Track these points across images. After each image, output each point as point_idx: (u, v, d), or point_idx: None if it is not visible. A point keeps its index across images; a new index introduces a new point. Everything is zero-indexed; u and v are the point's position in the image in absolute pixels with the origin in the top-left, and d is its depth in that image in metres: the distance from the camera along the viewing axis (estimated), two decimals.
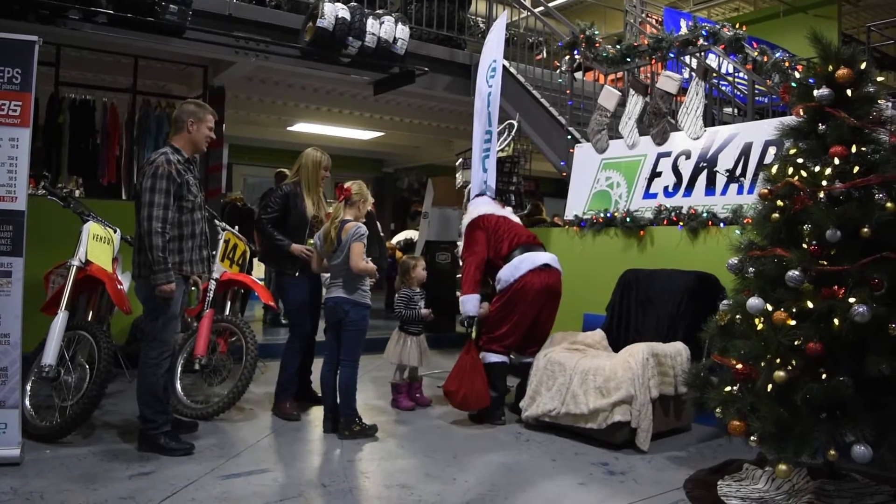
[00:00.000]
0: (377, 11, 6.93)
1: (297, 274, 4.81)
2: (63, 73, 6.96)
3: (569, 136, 6.82)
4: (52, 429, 3.98)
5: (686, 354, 4.44)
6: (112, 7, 5.57)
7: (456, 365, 4.75)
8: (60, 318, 4.13)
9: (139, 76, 7.45)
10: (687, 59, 6.25)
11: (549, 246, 6.34)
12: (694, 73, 5.86)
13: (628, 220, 5.60)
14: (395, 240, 10.69)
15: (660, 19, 9.91)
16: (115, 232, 4.93)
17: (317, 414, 4.77)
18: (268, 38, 6.55)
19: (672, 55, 6.12)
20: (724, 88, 7.10)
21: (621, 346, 4.59)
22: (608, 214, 5.82)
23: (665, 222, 5.39)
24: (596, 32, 6.68)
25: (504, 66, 6.95)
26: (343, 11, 6.46)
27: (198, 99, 7.26)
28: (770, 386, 2.95)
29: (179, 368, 4.75)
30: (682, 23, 9.54)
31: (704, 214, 5.08)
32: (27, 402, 4.11)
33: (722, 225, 4.98)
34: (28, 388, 4.16)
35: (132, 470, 3.58)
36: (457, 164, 7.52)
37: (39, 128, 6.69)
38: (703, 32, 5.62)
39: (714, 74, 6.29)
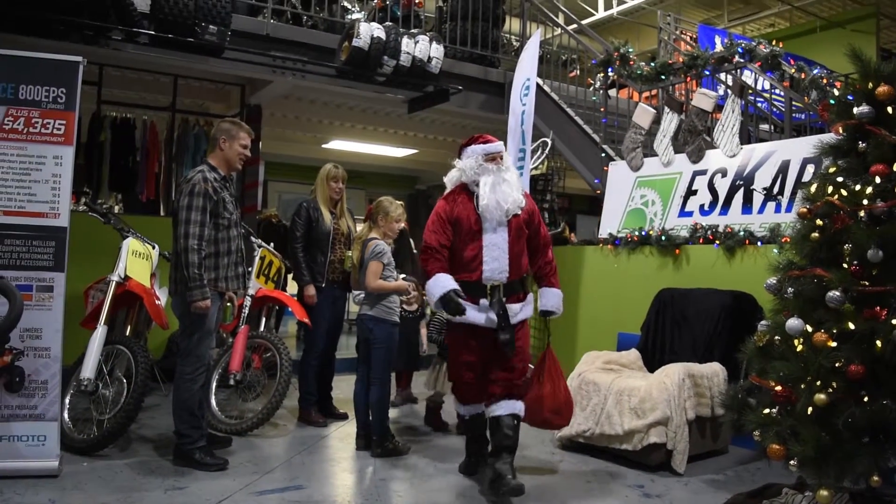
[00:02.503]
0: (412, 31, 6.98)
1: (323, 285, 4.95)
2: (105, 91, 7.14)
3: (603, 154, 6.79)
4: (89, 442, 4.05)
5: (723, 375, 4.37)
6: (153, 28, 5.70)
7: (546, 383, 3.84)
8: (99, 333, 4.21)
9: (178, 95, 7.61)
10: (722, 75, 6.19)
11: (583, 265, 6.31)
12: (730, 91, 5.80)
13: (663, 238, 5.54)
14: None
15: (694, 36, 9.84)
16: (153, 248, 5.02)
17: (348, 430, 4.78)
18: (304, 57, 6.64)
19: (707, 73, 6.06)
20: (760, 105, 7.01)
21: (656, 367, 4.53)
22: (643, 233, 5.76)
23: (701, 241, 5.32)
24: (630, 50, 6.65)
25: (538, 85, 6.96)
26: (378, 31, 6.53)
27: (235, 117, 7.42)
28: (810, 409, 2.89)
29: (214, 384, 4.79)
30: (717, 39, 9.47)
31: (741, 233, 5.00)
32: (66, 415, 4.19)
33: (759, 244, 4.90)
34: (67, 400, 4.23)
35: (167, 484, 3.62)
36: None
37: (82, 145, 6.85)
38: (739, 49, 5.57)
39: (750, 91, 6.21)
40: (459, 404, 3.97)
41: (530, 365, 3.94)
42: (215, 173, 4.00)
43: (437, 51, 6.88)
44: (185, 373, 3.94)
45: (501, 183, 3.68)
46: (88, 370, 4.07)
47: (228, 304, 4.31)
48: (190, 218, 3.80)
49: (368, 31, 6.44)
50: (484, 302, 3.67)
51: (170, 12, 5.57)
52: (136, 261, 4.69)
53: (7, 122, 3.79)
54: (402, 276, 4.71)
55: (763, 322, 3.43)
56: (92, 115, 7.09)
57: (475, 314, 3.66)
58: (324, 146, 10.90)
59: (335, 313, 5.11)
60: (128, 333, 4.67)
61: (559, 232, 7.23)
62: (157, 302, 4.82)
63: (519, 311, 3.74)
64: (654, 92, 7.23)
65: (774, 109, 6.75)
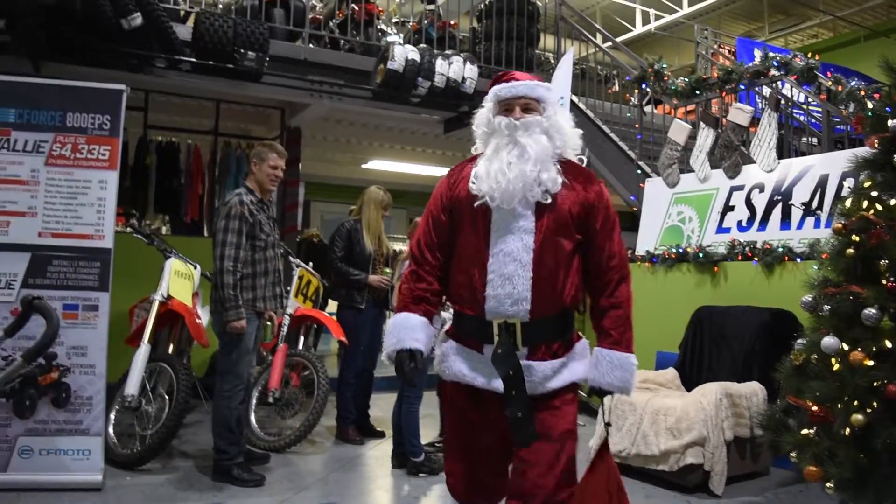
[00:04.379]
0: (446, 52, 7.07)
1: (363, 306, 4.99)
2: (151, 116, 7.37)
3: (639, 171, 6.76)
4: (132, 456, 4.16)
5: (762, 395, 4.29)
6: (195, 55, 5.89)
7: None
8: (143, 351, 4.33)
9: (221, 118, 7.82)
10: (759, 88, 6.12)
11: None
12: (766, 105, 5.73)
13: (701, 255, 5.48)
14: None
15: (733, 49, 9.75)
16: (195, 268, 5.15)
17: (385, 448, 4.81)
18: (341, 80, 6.78)
19: (742, 87, 6.01)
20: (799, 117, 6.91)
21: (694, 386, 4.47)
22: (680, 250, 5.71)
23: (739, 257, 5.25)
24: (664, 66, 6.62)
25: (573, 102, 6.97)
26: (413, 53, 6.63)
27: (275, 139, 7.59)
28: (847, 430, 2.83)
29: (254, 401, 4.88)
30: (757, 53, 9.36)
31: (780, 249, 4.92)
32: (111, 430, 4.31)
33: (798, 260, 4.81)
34: (112, 416, 4.36)
35: (206, 499, 3.70)
36: None
37: (129, 168, 7.09)
38: (775, 63, 5.51)
39: (790, 104, 6.13)
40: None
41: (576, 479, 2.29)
42: (252, 196, 4.11)
43: (471, 71, 6.95)
44: (223, 390, 4.03)
45: (513, 148, 2.26)
46: (132, 387, 4.18)
47: (268, 322, 4.40)
48: (226, 240, 3.91)
49: (403, 53, 6.55)
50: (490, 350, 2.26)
51: (210, 40, 5.76)
52: (179, 280, 4.82)
53: (55, 148, 3.95)
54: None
55: (799, 340, 3.38)
56: (139, 139, 7.32)
57: (466, 369, 2.32)
58: (363, 166, 11.05)
59: (374, 332, 5.17)
60: (170, 351, 4.78)
61: None
62: (198, 321, 4.94)
63: (553, 374, 2.26)
64: (691, 107, 7.18)
65: (812, 120, 6.65)
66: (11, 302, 3.76)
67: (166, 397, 4.33)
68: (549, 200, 2.23)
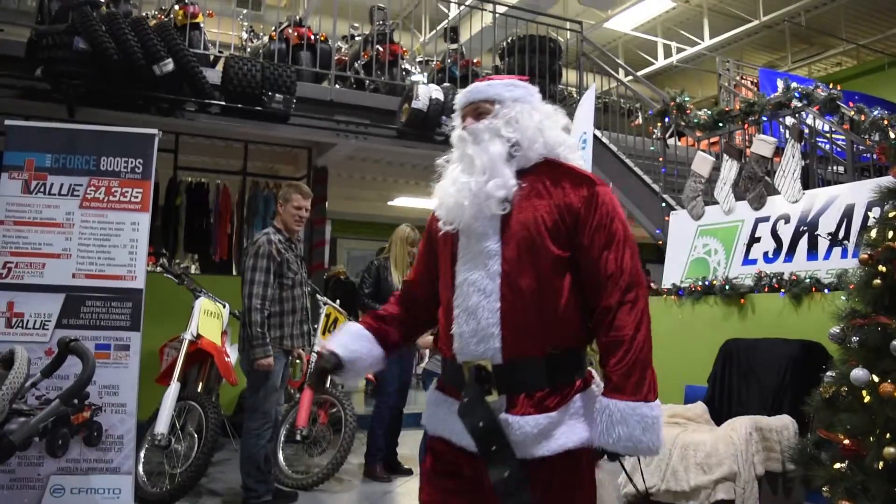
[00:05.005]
0: None
1: None
2: (181, 158, 7.55)
3: (663, 204, 6.75)
4: (162, 495, 4.19)
5: (793, 428, 4.22)
6: (224, 98, 6.06)
7: None
8: (173, 389, 4.38)
9: (249, 159, 7.98)
10: (782, 119, 6.12)
11: None
12: (789, 135, 5.72)
13: (727, 287, 5.43)
14: None
15: (756, 80, 9.76)
16: (224, 307, 5.23)
17: (412, 486, 4.79)
18: (367, 120, 6.91)
19: (765, 119, 6.01)
20: (824, 146, 6.88)
21: (724, 420, 4.41)
22: (706, 282, 5.66)
23: (766, 289, 5.20)
24: (686, 99, 6.65)
25: (595, 136, 7.01)
26: (437, 93, 6.75)
27: (302, 179, 7.71)
28: (880, 463, 2.78)
29: (282, 439, 4.91)
30: (779, 83, 9.36)
31: (807, 280, 4.87)
32: (140, 469, 4.35)
33: (826, 291, 4.76)
34: (142, 454, 4.40)
35: None
36: None
37: (159, 208, 7.25)
38: (796, 94, 5.51)
39: (813, 134, 6.11)
40: None
41: None
42: (280, 235, 4.19)
43: None
44: (252, 428, 4.07)
45: (460, 162, 1.99)
46: (162, 425, 4.23)
47: (297, 360, 4.45)
48: (254, 279, 3.98)
49: (427, 92, 6.67)
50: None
51: (238, 84, 5.93)
52: (208, 319, 4.90)
53: (89, 191, 4.09)
54: None
55: (829, 373, 3.33)
56: (169, 180, 7.49)
57: (441, 420, 1.98)
58: (389, 203, 11.16)
59: (404, 368, 5.19)
60: (199, 390, 4.85)
61: None
62: (226, 359, 5.00)
63: (539, 434, 1.80)
64: (714, 139, 7.18)
65: (837, 149, 6.61)
66: (46, 342, 3.86)
67: (195, 436, 4.38)
68: (507, 210, 1.88)
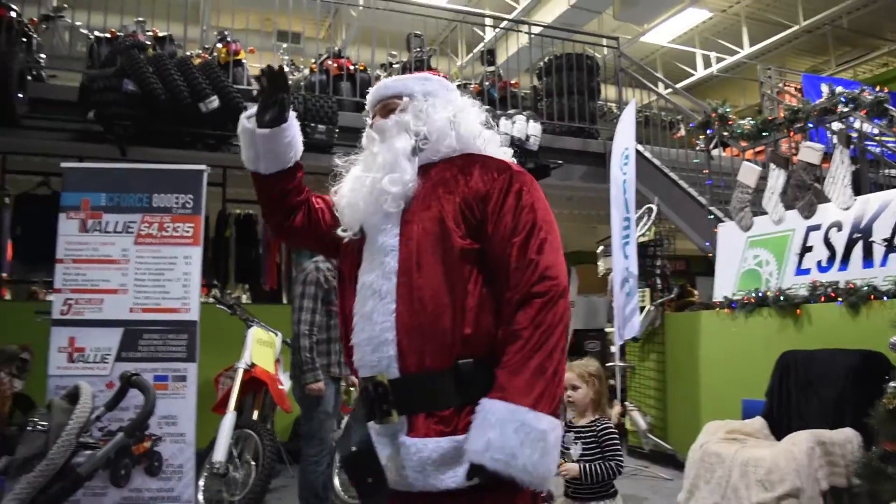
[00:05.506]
0: (509, 112, 7.21)
1: None
2: (229, 191, 7.73)
3: (711, 216, 6.66)
4: None
5: (857, 442, 4.08)
6: None
7: None
8: (229, 418, 4.44)
9: None
10: (829, 124, 6.00)
11: (701, 330, 6.13)
12: (837, 141, 5.61)
13: (781, 298, 5.33)
14: None
15: (799, 86, 9.60)
16: (276, 335, 5.31)
17: None
18: None
19: (811, 125, 5.90)
20: (874, 150, 6.72)
21: (784, 434, 4.30)
22: (759, 294, 5.56)
23: (822, 299, 5.08)
24: (728, 109, 6.58)
25: (638, 151, 6.98)
26: None
27: None
28: None
29: (337, 464, 4.94)
30: (824, 88, 9.20)
31: (864, 288, 4.74)
32: (200, 497, 4.42)
33: (885, 298, 4.63)
34: (201, 483, 4.47)
35: None
36: (598, 251, 7.50)
37: (210, 240, 7.42)
38: (842, 99, 5.41)
39: (862, 138, 5.98)
40: None
41: None
42: (328, 263, 4.26)
43: (534, 128, 7.06)
44: (309, 455, 4.11)
45: (367, 156, 1.86)
46: (220, 454, 4.29)
47: (352, 388, 4.49)
48: (303, 305, 4.05)
49: None
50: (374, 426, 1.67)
51: None
52: (261, 348, 4.98)
53: (143, 228, 4.22)
54: None
55: (892, 383, 3.25)
56: (218, 213, 7.67)
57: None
58: None
59: None
60: (255, 418, 4.91)
61: (675, 297, 7.03)
62: (280, 387, 5.07)
63: (442, 460, 1.56)
64: (760, 148, 7.08)
65: (888, 152, 6.45)
66: (106, 375, 3.98)
67: (252, 463, 4.44)
68: (402, 206, 1.70)
